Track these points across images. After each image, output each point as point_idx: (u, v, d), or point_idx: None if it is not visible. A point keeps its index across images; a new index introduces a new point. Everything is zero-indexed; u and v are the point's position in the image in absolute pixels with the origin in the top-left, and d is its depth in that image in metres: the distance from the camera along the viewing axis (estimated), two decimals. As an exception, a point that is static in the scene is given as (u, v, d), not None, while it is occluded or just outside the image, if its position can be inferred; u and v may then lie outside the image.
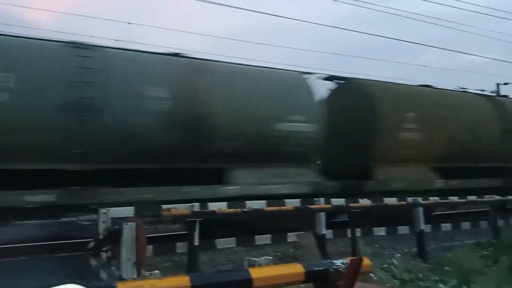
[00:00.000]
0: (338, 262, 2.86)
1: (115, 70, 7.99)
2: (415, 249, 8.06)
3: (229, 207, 7.08)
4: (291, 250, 7.66)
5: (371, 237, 8.60)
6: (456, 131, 11.94)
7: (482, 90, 17.42)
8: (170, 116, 8.28)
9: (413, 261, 7.32)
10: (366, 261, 2.99)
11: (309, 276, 2.83)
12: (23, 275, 6.20)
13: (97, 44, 8.25)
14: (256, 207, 7.20)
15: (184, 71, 8.76)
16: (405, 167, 11.07)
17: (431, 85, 13.03)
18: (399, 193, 9.24)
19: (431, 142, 11.49)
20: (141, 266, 5.41)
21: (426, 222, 8.56)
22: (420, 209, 8.36)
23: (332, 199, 8.09)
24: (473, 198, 9.82)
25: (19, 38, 7.68)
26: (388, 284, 5.77)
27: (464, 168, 12.06)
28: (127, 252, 5.36)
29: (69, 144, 7.42)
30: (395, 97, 11.45)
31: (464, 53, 50.95)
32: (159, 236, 8.97)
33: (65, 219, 10.34)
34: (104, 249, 5.98)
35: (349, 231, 7.90)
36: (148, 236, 5.78)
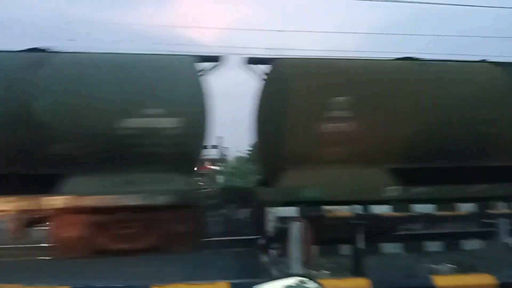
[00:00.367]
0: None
1: None
2: None
3: (394, 211, 6.79)
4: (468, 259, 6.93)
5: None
6: (428, 118, 8.37)
7: None
8: None
9: None
10: None
11: (505, 288, 2.53)
12: (208, 267, 6.79)
13: None
14: (424, 211, 6.75)
15: (12, 65, 7.91)
16: (333, 169, 8.14)
17: (415, 58, 9.25)
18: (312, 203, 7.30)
19: (381, 134, 8.25)
20: (309, 265, 5.55)
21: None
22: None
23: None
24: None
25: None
26: None
27: (451, 169, 8.27)
28: (295, 250, 5.57)
29: None
30: (317, 77, 8.39)
31: None
32: (324, 237, 9.03)
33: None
34: (273, 246, 6.32)
35: None
36: (314, 237, 5.88)
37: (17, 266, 6.99)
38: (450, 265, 3.98)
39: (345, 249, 6.99)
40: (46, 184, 7.40)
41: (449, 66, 9.26)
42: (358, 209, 6.50)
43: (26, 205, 7.53)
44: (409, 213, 6.77)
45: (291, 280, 1.46)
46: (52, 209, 7.47)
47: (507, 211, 7.25)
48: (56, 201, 7.45)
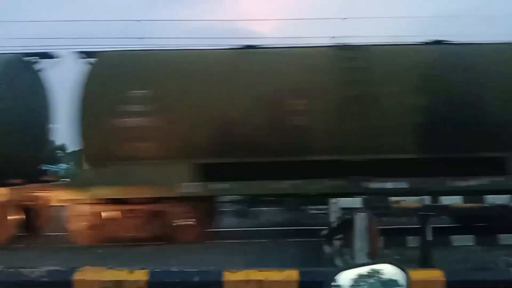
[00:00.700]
0: None
1: None
2: None
3: (465, 201, 6.48)
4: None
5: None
6: (232, 110, 7.94)
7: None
8: None
9: None
10: None
11: None
12: (267, 256, 6.94)
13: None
14: (500, 202, 6.38)
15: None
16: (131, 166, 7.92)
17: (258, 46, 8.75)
18: None
19: (183, 129, 8.01)
20: (374, 256, 5.46)
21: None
22: None
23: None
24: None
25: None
26: None
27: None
28: (359, 241, 5.50)
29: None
30: (115, 70, 8.29)
31: None
32: (389, 228, 8.85)
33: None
34: (337, 237, 6.29)
35: None
36: (379, 228, 5.77)
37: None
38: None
39: (412, 240, 6.80)
40: None
41: (276, 52, 8.65)
42: (426, 199, 6.28)
43: None
44: (481, 204, 6.43)
45: (365, 269, 1.46)
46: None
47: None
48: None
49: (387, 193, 6.96)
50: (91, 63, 8.55)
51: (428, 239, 6.14)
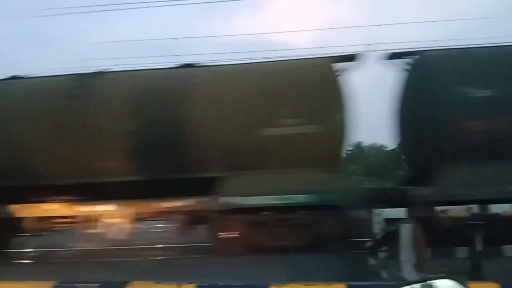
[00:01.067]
0: None
1: None
2: None
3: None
4: None
5: None
6: None
7: None
8: None
9: None
10: None
11: None
12: (316, 268, 6.83)
13: None
14: None
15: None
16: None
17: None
18: None
19: None
20: (421, 268, 5.30)
21: None
22: None
23: None
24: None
25: None
26: None
27: None
28: (405, 253, 5.35)
29: None
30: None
31: None
32: (436, 239, 8.55)
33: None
34: (381, 249, 6.14)
35: None
36: (426, 238, 5.60)
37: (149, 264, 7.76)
38: None
39: (461, 251, 6.55)
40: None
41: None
42: (474, 208, 6.05)
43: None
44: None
45: (419, 285, 1.44)
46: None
47: None
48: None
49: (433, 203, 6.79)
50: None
51: (478, 249, 5.89)
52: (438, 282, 1.42)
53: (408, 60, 8.74)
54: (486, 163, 7.36)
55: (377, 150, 30.79)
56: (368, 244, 6.40)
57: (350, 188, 8.80)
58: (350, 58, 8.74)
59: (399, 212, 6.55)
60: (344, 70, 8.59)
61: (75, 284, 2.97)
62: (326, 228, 7.82)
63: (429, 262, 6.33)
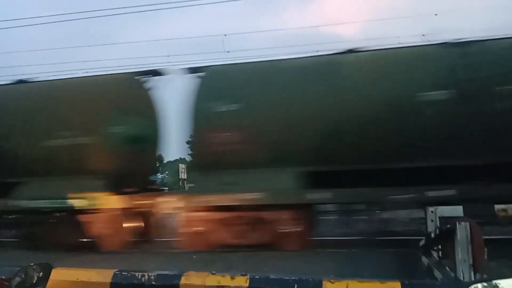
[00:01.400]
0: None
1: None
2: None
3: None
4: None
5: None
6: None
7: None
8: None
9: None
10: None
11: None
12: (359, 265, 6.78)
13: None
14: None
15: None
16: None
17: None
18: None
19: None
20: (479, 269, 5.09)
21: None
22: None
23: None
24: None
25: None
26: None
27: None
28: (462, 253, 5.16)
29: None
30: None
31: None
32: (494, 238, 8.19)
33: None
34: (435, 248, 5.95)
35: None
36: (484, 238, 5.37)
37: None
38: None
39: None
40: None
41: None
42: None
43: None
44: None
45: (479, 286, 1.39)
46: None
47: None
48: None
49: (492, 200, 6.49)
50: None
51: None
52: (504, 282, 1.36)
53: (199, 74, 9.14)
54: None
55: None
56: (422, 243, 6.21)
57: None
58: (155, 73, 9.84)
59: (454, 211, 6.31)
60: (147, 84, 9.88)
61: (134, 273, 3.12)
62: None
63: (487, 263, 6.10)
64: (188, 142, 9.49)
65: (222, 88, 8.83)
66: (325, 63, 8.50)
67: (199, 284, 2.79)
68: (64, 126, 9.35)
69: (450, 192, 7.23)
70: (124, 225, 9.20)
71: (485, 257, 5.49)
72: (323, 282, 2.17)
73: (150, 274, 3.06)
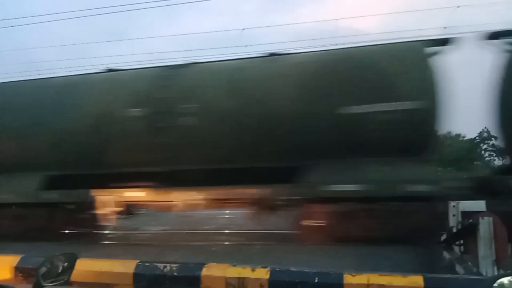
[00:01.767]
0: None
1: None
2: None
3: None
4: None
5: None
6: None
7: None
8: None
9: None
10: None
11: None
12: (378, 260, 6.69)
13: None
14: None
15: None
16: None
17: None
18: None
19: None
20: (502, 265, 5.01)
21: None
22: None
23: None
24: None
25: None
26: None
27: None
28: (484, 248, 5.08)
29: None
30: None
31: None
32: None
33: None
34: (457, 242, 5.88)
35: None
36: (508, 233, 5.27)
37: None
38: None
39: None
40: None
41: None
42: None
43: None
44: None
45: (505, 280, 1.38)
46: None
47: None
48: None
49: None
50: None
51: None
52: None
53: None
54: None
55: (453, 139, 29.18)
56: (443, 237, 6.14)
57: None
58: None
59: (477, 205, 6.21)
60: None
61: (157, 264, 3.18)
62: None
63: (510, 259, 5.99)
64: None
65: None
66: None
67: (220, 275, 2.82)
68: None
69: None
70: None
71: (509, 252, 5.41)
72: (344, 275, 2.17)
73: (172, 265, 3.11)
